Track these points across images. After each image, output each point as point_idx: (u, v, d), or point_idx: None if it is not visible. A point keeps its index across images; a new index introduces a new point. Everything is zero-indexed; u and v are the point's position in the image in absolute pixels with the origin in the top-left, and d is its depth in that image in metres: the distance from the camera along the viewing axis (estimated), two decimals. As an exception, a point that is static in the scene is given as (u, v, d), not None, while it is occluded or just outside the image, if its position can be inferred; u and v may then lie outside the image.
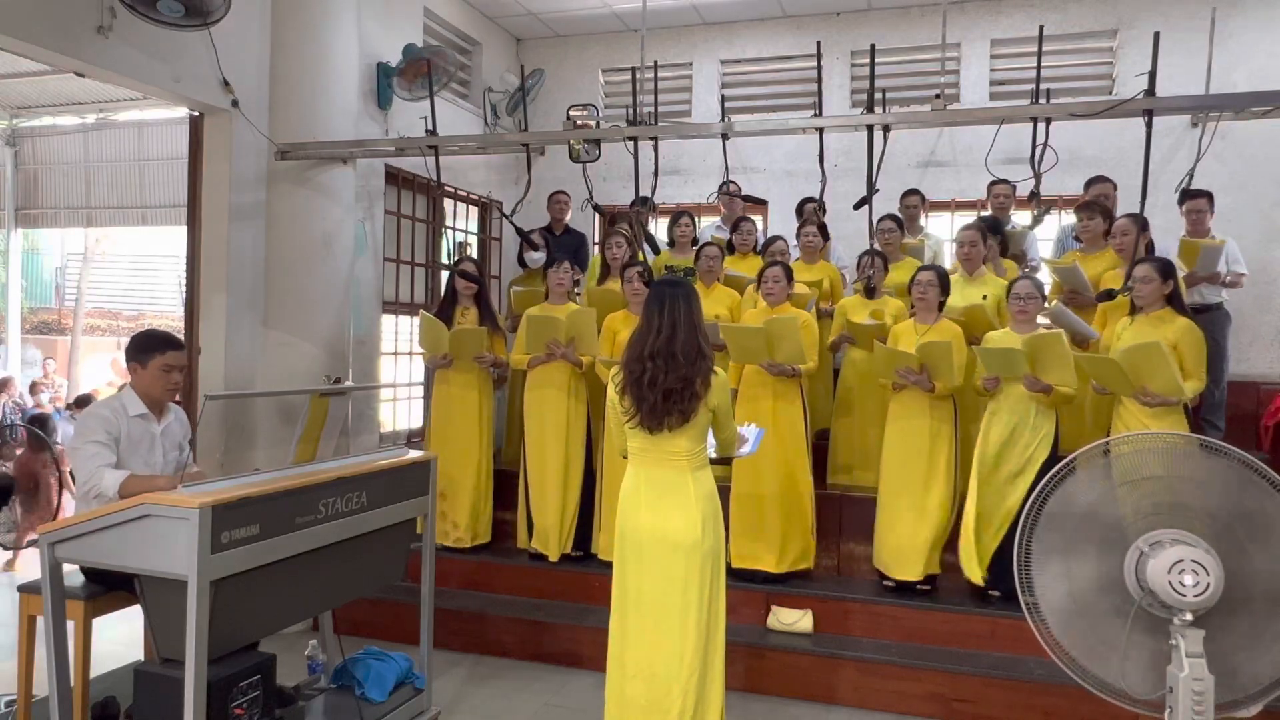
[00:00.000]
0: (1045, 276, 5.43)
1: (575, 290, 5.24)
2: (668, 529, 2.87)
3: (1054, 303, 4.62)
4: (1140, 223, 4.37)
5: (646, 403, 2.82)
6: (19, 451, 5.56)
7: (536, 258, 5.95)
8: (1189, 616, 2.31)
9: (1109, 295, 4.24)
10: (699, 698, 2.86)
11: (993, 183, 5.43)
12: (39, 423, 6.43)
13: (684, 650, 2.85)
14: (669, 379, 2.79)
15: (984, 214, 5.55)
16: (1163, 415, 3.81)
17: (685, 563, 2.86)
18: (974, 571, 4.12)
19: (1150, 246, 4.51)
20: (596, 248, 6.97)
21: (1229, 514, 2.43)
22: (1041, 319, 4.55)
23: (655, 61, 5.55)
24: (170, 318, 12.85)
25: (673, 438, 2.86)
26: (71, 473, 6.07)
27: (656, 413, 2.82)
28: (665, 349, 2.81)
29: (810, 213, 5.64)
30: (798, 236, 5.53)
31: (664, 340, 2.82)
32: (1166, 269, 3.94)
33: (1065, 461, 2.56)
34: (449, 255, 7.19)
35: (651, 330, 2.86)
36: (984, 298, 4.71)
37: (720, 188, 6.33)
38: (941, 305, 4.41)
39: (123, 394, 3.25)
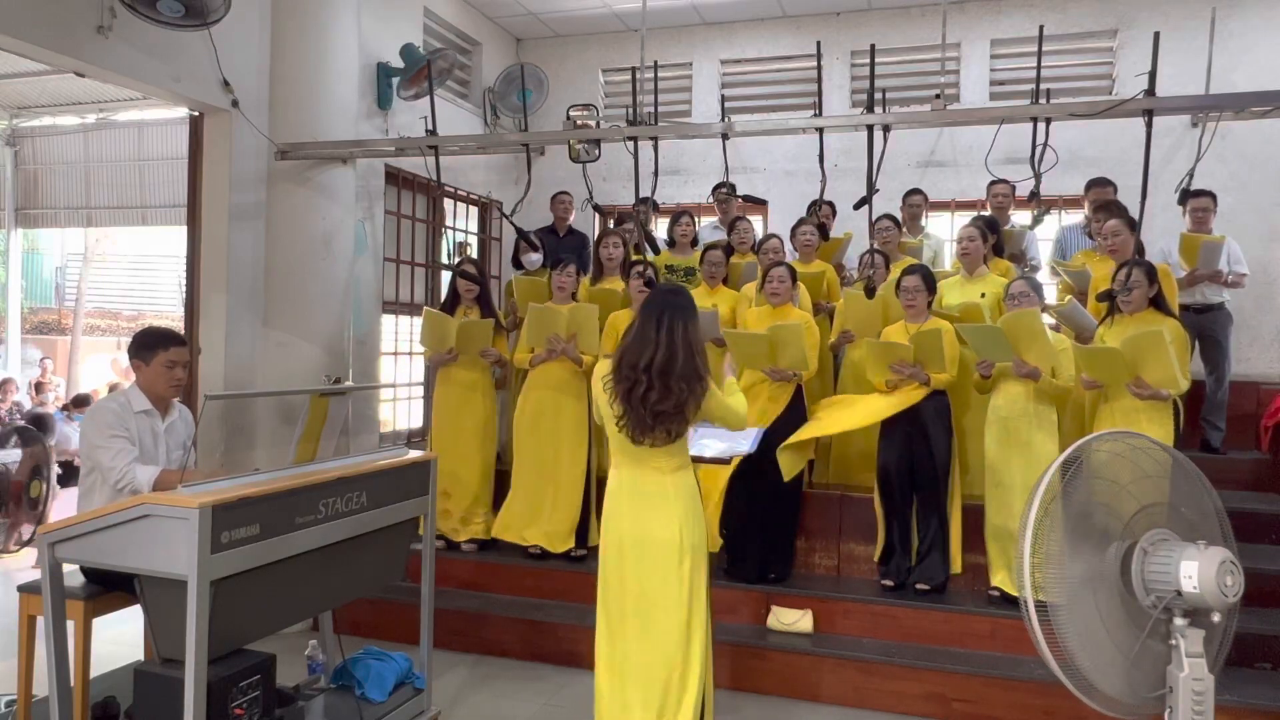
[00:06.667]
0: (1045, 276, 5.43)
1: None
2: (647, 527, 2.91)
3: (1067, 299, 4.63)
4: (1134, 225, 4.38)
5: (635, 414, 2.81)
6: (18, 452, 5.56)
7: (534, 259, 5.95)
8: (1217, 618, 2.32)
9: (1109, 295, 4.24)
10: (682, 693, 2.89)
11: (992, 183, 5.43)
12: (37, 423, 6.43)
13: (665, 646, 2.89)
14: (663, 402, 2.78)
15: (983, 213, 5.55)
16: (1153, 414, 3.83)
17: (664, 560, 2.89)
18: (1003, 580, 4.14)
19: (1140, 249, 4.51)
20: (593, 246, 6.98)
21: (1197, 513, 2.45)
22: (1049, 319, 4.56)
23: (655, 61, 5.55)
24: (170, 318, 12.83)
25: (655, 448, 2.89)
26: (60, 468, 6.07)
27: (644, 428, 2.82)
28: (663, 369, 2.78)
29: (815, 213, 5.64)
30: (793, 235, 5.52)
31: (663, 360, 2.78)
32: (1152, 272, 4.00)
33: (1064, 457, 2.53)
34: (449, 255, 7.18)
35: (648, 343, 2.81)
36: (982, 295, 4.71)
37: (714, 190, 6.34)
38: (930, 304, 4.42)
39: (128, 391, 3.26)
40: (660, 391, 2.78)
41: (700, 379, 2.83)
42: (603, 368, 2.97)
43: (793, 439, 4.33)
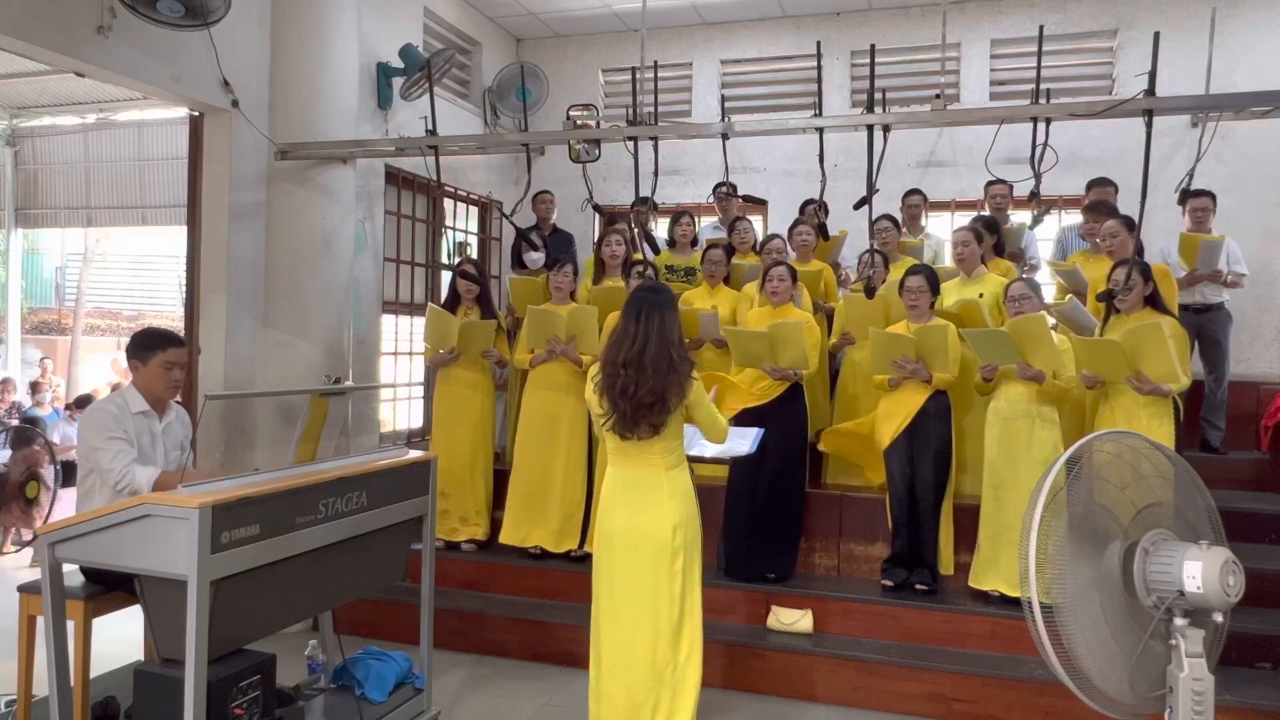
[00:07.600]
0: (1045, 276, 5.43)
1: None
2: (641, 526, 2.94)
3: (1068, 299, 4.62)
4: (1132, 226, 4.38)
5: (619, 410, 2.89)
6: (10, 454, 5.58)
7: (536, 258, 5.95)
8: (1220, 618, 2.32)
9: (1109, 296, 4.24)
10: (673, 692, 2.90)
11: (990, 183, 5.43)
12: (30, 424, 6.43)
13: (656, 645, 2.91)
14: (641, 392, 2.84)
15: (982, 214, 5.54)
16: (1153, 411, 3.81)
17: (656, 559, 2.92)
18: (1002, 581, 4.12)
19: (1140, 249, 4.52)
20: (594, 246, 6.97)
21: (1193, 512, 2.45)
22: (1050, 319, 4.55)
23: (655, 61, 5.54)
24: (170, 318, 12.83)
25: (645, 443, 2.93)
26: (58, 468, 6.10)
27: (627, 422, 2.89)
28: (636, 360, 2.87)
29: (811, 213, 5.63)
30: (789, 235, 5.51)
31: (636, 351, 2.88)
32: (1146, 271, 4.01)
33: (1066, 456, 2.53)
34: (449, 255, 7.18)
35: (627, 338, 2.92)
36: (980, 295, 4.71)
37: (715, 189, 6.33)
38: (932, 305, 4.42)
39: (125, 392, 3.25)
40: (637, 381, 2.84)
41: (675, 366, 2.88)
42: (594, 369, 3.03)
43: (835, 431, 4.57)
